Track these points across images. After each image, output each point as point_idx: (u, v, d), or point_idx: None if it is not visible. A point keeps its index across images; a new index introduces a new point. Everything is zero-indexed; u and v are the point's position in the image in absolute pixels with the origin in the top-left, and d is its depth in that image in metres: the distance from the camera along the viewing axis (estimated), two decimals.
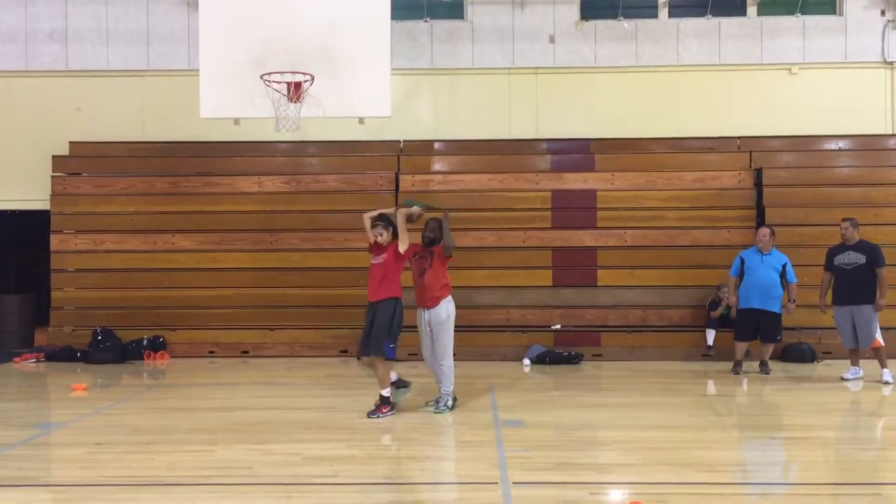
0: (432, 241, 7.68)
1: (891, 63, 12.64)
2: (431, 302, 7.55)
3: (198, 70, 8.84)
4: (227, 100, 8.59)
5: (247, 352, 11.73)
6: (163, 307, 11.90)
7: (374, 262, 7.38)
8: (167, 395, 8.93)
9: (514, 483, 5.12)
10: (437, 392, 7.67)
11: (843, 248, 9.49)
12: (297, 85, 8.31)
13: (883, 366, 9.25)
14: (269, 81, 8.25)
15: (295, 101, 8.27)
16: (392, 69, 8.91)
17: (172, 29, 12.79)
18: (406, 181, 12.18)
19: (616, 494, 5.02)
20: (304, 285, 11.85)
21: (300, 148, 12.54)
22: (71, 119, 12.82)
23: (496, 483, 5.13)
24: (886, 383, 9.08)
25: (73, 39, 12.88)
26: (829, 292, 9.62)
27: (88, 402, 8.42)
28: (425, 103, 12.96)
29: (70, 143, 12.67)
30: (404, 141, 12.69)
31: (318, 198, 12.15)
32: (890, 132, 12.64)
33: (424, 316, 7.63)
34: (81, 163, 12.58)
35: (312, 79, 8.40)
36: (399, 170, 12.34)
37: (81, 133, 12.72)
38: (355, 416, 7.09)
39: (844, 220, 9.57)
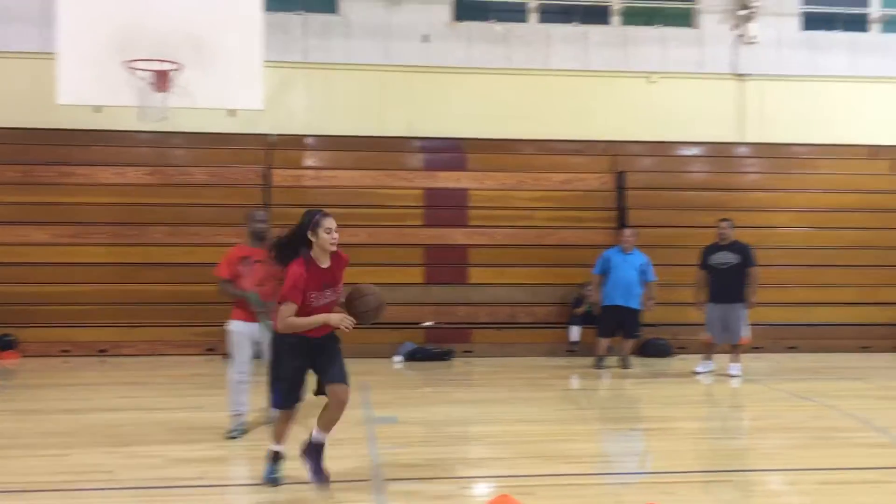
0: (266, 234, 6.32)
1: (740, 75, 13.44)
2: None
3: (53, 53, 8.36)
4: (88, 86, 8.19)
5: (105, 350, 11.17)
6: (13, 303, 11.16)
7: (319, 304, 4.83)
8: (18, 397, 8.42)
9: (386, 479, 5.13)
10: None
11: (717, 248, 9.89)
12: (165, 73, 8.01)
13: (736, 361, 9.79)
14: (134, 68, 7.91)
15: (162, 90, 7.97)
16: (265, 61, 8.74)
17: (25, 8, 12.01)
18: (278, 176, 11.96)
19: (486, 488, 5.11)
20: (168, 281, 11.39)
21: (165, 138, 12.06)
22: None
23: (368, 480, 5.12)
24: (733, 376, 9.64)
25: None
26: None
27: None
28: (298, 97, 12.75)
29: None
30: (276, 135, 12.45)
31: (184, 191, 11.74)
32: (739, 140, 13.45)
33: (256, 327, 6.25)
34: None
35: (181, 68, 8.12)
36: (271, 164, 12.10)
37: None
38: (223, 416, 6.89)
39: (722, 220, 10.00)
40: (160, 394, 8.64)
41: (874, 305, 12.16)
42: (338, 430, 6.58)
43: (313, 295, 4.79)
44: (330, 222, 4.83)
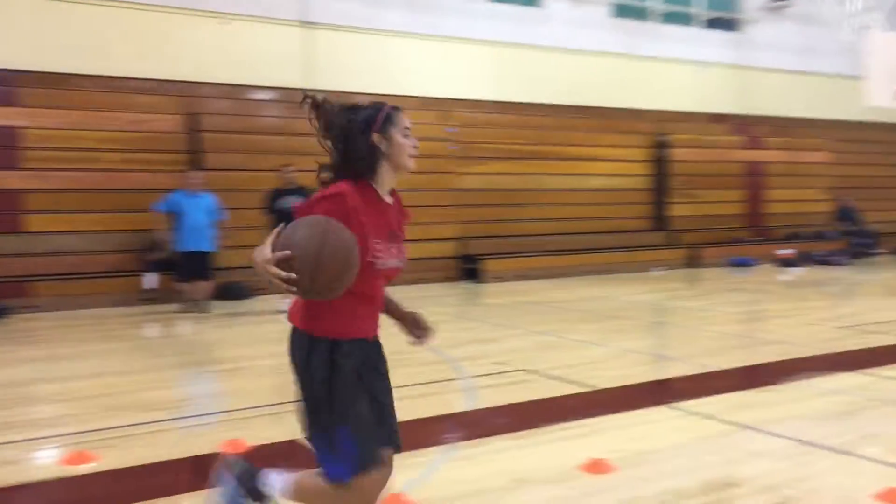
0: None
1: (308, 23, 13.86)
2: None
3: None
4: None
5: None
6: None
7: (386, 266, 2.85)
8: None
9: None
10: None
11: (282, 192, 10.16)
12: None
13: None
14: None
15: None
16: None
17: None
18: None
19: (57, 447, 4.83)
20: None
21: None
22: None
23: None
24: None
25: None
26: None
27: None
28: None
29: None
30: None
31: None
32: (309, 87, 13.95)
33: None
34: None
35: None
36: None
37: None
38: None
39: (285, 165, 10.32)
40: None
41: (433, 241, 13.68)
42: None
43: (378, 245, 2.77)
44: (405, 120, 2.89)
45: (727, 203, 17.49)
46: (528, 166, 15.19)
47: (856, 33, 16.50)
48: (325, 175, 2.86)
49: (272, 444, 4.72)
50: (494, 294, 12.49)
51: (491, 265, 13.82)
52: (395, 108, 2.87)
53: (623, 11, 17.18)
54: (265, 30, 13.46)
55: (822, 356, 7.23)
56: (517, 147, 15.21)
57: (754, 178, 17.87)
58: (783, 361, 7.02)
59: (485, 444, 4.73)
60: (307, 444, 2.82)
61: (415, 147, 2.85)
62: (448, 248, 13.99)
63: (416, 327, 3.11)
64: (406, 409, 5.53)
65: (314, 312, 2.75)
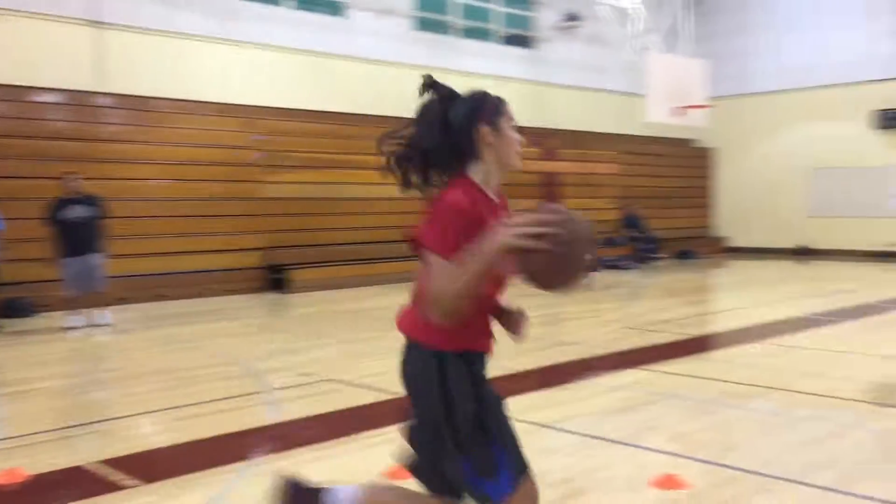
0: None
1: (98, 23, 13.06)
2: None
3: None
4: None
5: None
6: None
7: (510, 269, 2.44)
8: None
9: None
10: None
11: (67, 201, 9.60)
12: None
13: (103, 309, 9.81)
14: None
15: None
16: None
17: None
18: None
19: None
20: None
21: None
22: None
23: None
24: (102, 325, 9.67)
25: None
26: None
27: None
28: None
29: None
30: None
31: None
32: (100, 90, 13.14)
33: None
34: None
35: None
36: None
37: None
38: None
39: (69, 173, 9.74)
40: None
41: (237, 252, 13.32)
42: None
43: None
44: (511, 112, 2.60)
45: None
46: (332, 175, 15.13)
47: (637, 54, 17.82)
48: (413, 178, 2.54)
49: (56, 471, 4.41)
50: (302, 304, 12.34)
51: (297, 275, 13.64)
52: (502, 99, 2.61)
53: (425, 25, 17.57)
54: (50, 28, 12.53)
55: (609, 355, 7.75)
56: (321, 156, 15.12)
57: (551, 188, 18.83)
58: (577, 361, 7.46)
59: (289, 456, 4.66)
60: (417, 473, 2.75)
61: (521, 145, 2.57)
62: (253, 259, 13.67)
63: (516, 322, 2.79)
64: (207, 425, 5.39)
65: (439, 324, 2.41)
